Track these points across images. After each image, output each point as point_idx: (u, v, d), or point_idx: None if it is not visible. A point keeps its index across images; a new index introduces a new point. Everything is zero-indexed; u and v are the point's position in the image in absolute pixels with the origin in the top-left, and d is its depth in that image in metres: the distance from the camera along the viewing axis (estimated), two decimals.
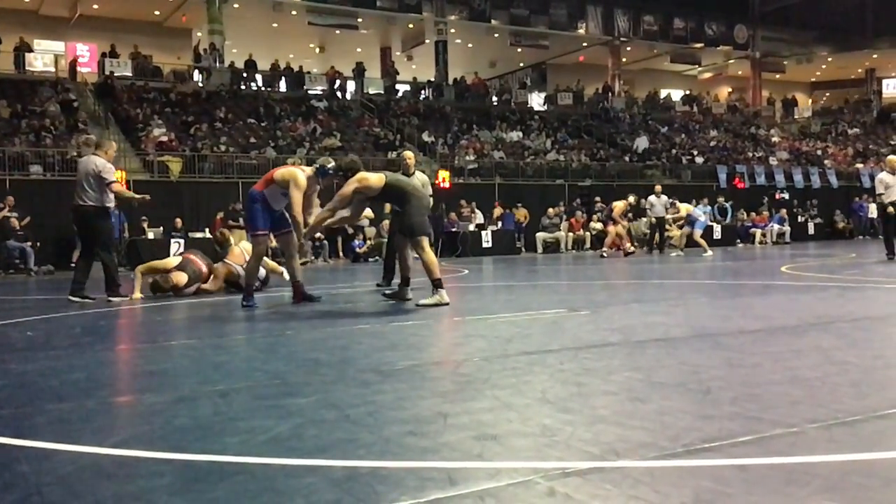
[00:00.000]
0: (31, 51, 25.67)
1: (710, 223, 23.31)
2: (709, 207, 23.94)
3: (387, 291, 7.77)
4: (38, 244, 16.59)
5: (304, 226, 7.28)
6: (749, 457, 2.20)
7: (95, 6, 28.02)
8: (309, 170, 7.51)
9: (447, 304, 6.72)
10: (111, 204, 8.56)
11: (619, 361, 3.82)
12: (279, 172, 7.37)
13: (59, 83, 23.77)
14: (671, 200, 18.42)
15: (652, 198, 18.39)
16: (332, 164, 7.46)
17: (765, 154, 32.09)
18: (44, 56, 26.59)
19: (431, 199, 8.46)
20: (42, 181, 18.60)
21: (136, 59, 26.05)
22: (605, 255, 17.47)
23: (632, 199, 18.40)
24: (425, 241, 6.96)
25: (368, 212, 9.05)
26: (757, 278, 10.13)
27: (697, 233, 17.70)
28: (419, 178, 9.00)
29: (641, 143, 29.05)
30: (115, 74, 24.70)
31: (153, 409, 3.05)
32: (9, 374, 3.90)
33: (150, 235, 17.52)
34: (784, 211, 25.74)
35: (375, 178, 6.91)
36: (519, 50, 34.92)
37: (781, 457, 2.20)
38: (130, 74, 25.30)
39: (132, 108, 22.71)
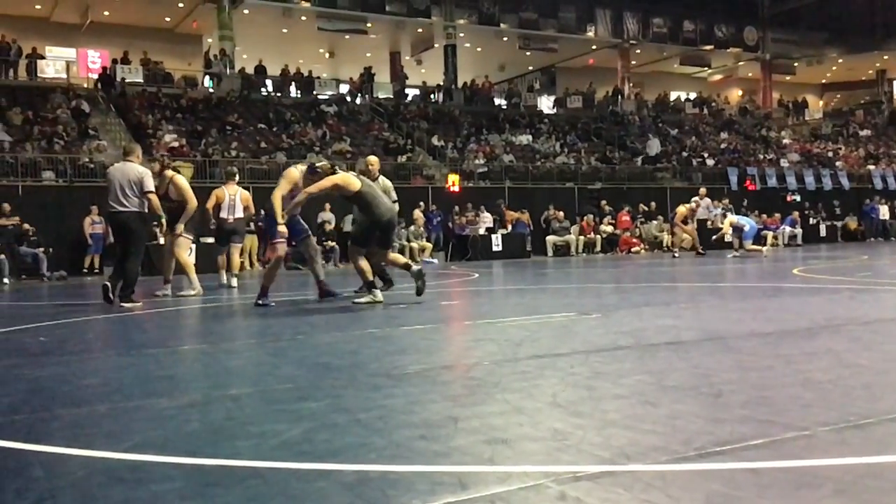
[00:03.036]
0: (42, 58, 25.83)
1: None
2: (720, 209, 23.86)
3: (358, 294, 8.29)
4: (51, 250, 16.69)
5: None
6: (761, 460, 2.19)
7: (106, 13, 28.18)
8: (302, 167, 8.16)
9: (381, 301, 7.56)
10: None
11: (629, 365, 3.82)
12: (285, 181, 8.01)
13: (70, 90, 23.92)
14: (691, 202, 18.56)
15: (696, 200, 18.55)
16: (321, 163, 8.23)
17: (776, 156, 31.97)
18: (55, 63, 26.77)
19: (397, 205, 8.97)
20: (54, 187, 18.72)
21: (146, 65, 26.18)
22: (701, 252, 17.96)
23: (694, 203, 18.46)
24: (361, 252, 7.83)
25: None
26: (768, 281, 10.09)
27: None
28: (382, 184, 9.25)
29: (654, 145, 28.99)
30: (127, 81, 24.82)
31: (165, 414, 3.06)
32: (22, 380, 3.92)
33: (162, 241, 17.58)
34: (796, 213, 25.61)
35: (354, 182, 7.80)
36: (528, 53, 34.90)
37: (793, 460, 2.19)
38: (141, 81, 25.42)
39: (143, 115, 22.83)
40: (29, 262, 16.37)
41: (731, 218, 18.29)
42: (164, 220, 9.22)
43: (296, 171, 8.02)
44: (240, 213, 11.52)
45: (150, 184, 8.60)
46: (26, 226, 16.41)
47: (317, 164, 8.13)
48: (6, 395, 3.54)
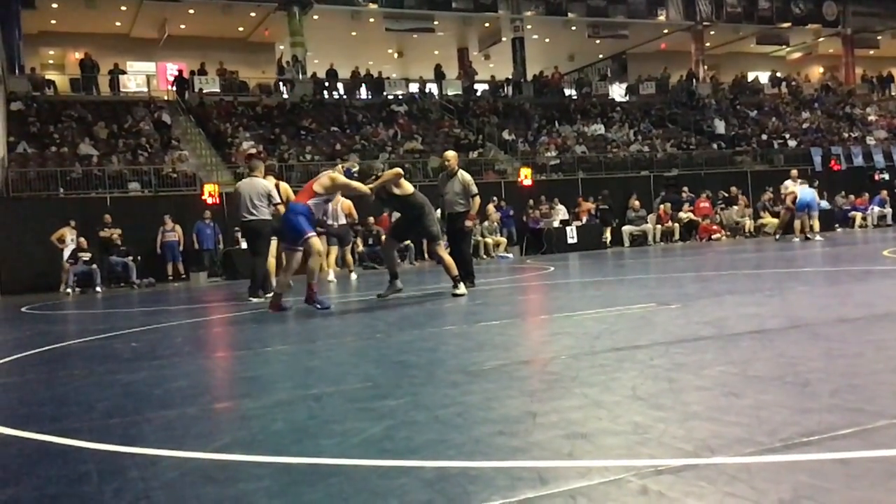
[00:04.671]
0: (124, 73, 26.81)
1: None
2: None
3: (379, 293, 8.56)
4: (139, 258, 17.33)
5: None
6: (850, 450, 2.12)
7: (182, 26, 29.04)
8: (338, 170, 8.32)
9: (465, 294, 8.07)
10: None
11: (711, 355, 3.74)
12: (318, 183, 7.69)
13: (151, 102, 24.76)
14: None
15: (788, 182, 17.90)
16: (356, 168, 8.56)
17: (861, 134, 30.75)
18: (136, 77, 27.78)
19: (478, 198, 9.39)
20: (140, 197, 19.43)
21: (223, 75, 26.89)
22: (776, 238, 17.59)
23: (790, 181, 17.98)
24: (442, 245, 8.62)
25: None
26: (857, 264, 9.72)
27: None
28: (461, 178, 9.30)
29: (719, 124, 28.59)
30: (204, 91, 25.54)
31: (251, 414, 3.15)
32: (116, 384, 4.09)
33: (244, 245, 18.02)
34: (885, 192, 24.61)
35: (408, 184, 8.53)
36: (598, 41, 34.41)
37: (884, 449, 2.12)
38: (218, 90, 26.13)
39: (221, 123, 23.46)
40: (119, 270, 17.07)
41: (796, 187, 17.59)
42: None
43: (341, 176, 7.78)
44: (342, 220, 12.97)
45: (276, 195, 9.66)
46: (115, 236, 17.10)
47: (353, 169, 8.30)
48: (103, 399, 3.70)
